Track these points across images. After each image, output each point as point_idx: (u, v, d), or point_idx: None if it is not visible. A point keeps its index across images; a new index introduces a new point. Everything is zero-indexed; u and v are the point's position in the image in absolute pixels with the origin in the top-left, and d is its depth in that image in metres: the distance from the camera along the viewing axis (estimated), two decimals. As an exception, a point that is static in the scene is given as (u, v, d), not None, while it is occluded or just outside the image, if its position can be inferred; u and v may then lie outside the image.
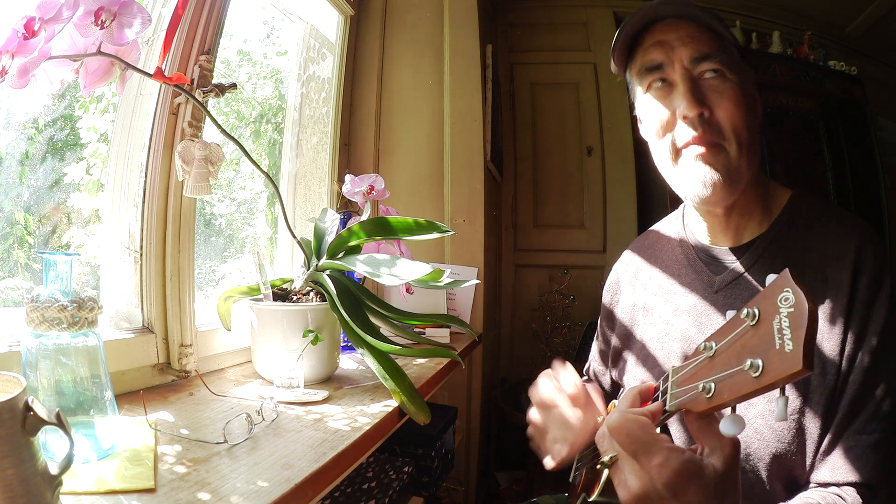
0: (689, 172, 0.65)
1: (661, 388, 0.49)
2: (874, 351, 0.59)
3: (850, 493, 0.57)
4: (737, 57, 0.67)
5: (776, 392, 0.36)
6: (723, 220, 0.71)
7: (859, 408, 0.59)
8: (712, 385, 0.39)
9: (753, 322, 0.37)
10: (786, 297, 0.35)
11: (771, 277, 0.37)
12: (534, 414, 0.74)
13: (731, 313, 0.41)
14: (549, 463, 0.70)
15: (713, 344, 0.42)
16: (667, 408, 0.45)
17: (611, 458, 0.48)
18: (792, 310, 0.34)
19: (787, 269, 0.36)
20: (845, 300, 0.61)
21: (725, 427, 0.39)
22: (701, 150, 0.64)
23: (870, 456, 0.57)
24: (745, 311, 0.38)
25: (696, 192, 0.65)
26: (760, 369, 0.34)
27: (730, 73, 0.65)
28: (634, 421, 0.45)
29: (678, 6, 0.66)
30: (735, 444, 0.42)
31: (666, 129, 0.67)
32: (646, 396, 0.50)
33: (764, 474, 0.62)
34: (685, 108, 0.64)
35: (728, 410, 0.39)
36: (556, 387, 0.72)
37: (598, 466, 0.49)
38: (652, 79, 0.68)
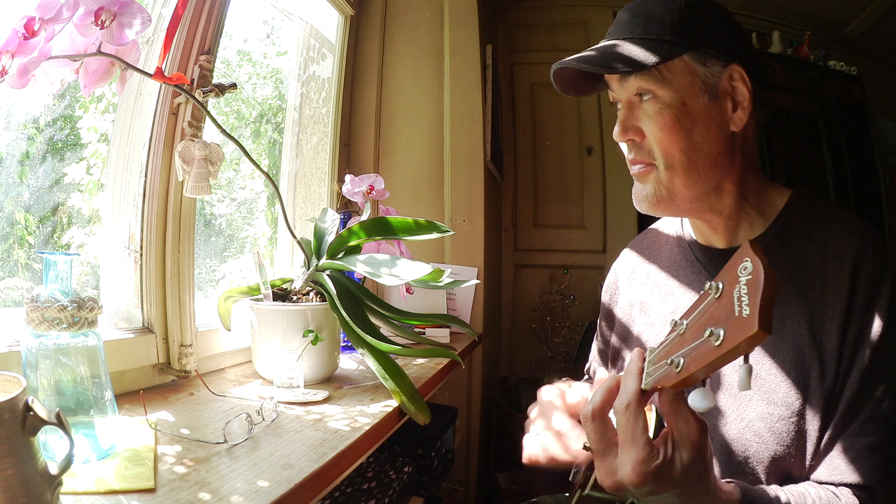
0: (633, 186, 0.70)
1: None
2: (873, 352, 0.58)
3: (846, 494, 0.57)
4: (681, 70, 0.63)
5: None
6: (713, 224, 0.70)
7: (858, 409, 0.58)
8: (681, 359, 0.39)
9: (717, 295, 0.38)
10: (745, 265, 0.35)
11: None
12: (534, 411, 0.74)
13: (702, 291, 0.42)
14: (524, 451, 0.70)
15: (684, 321, 0.42)
16: (643, 387, 0.45)
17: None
18: (750, 277, 0.34)
19: (747, 241, 0.36)
20: (844, 301, 0.60)
21: (694, 400, 0.40)
22: (636, 168, 0.68)
23: (867, 458, 0.57)
24: (709, 284, 0.39)
25: (636, 204, 0.70)
26: (721, 337, 0.35)
27: (661, 91, 0.63)
28: (598, 419, 0.47)
29: (589, 62, 0.65)
30: (703, 429, 0.43)
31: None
32: None
33: (763, 476, 0.61)
34: (616, 134, 0.67)
35: (700, 384, 0.40)
36: (560, 393, 0.72)
37: (584, 447, 0.50)
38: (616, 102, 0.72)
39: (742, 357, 0.35)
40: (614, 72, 0.65)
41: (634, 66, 0.63)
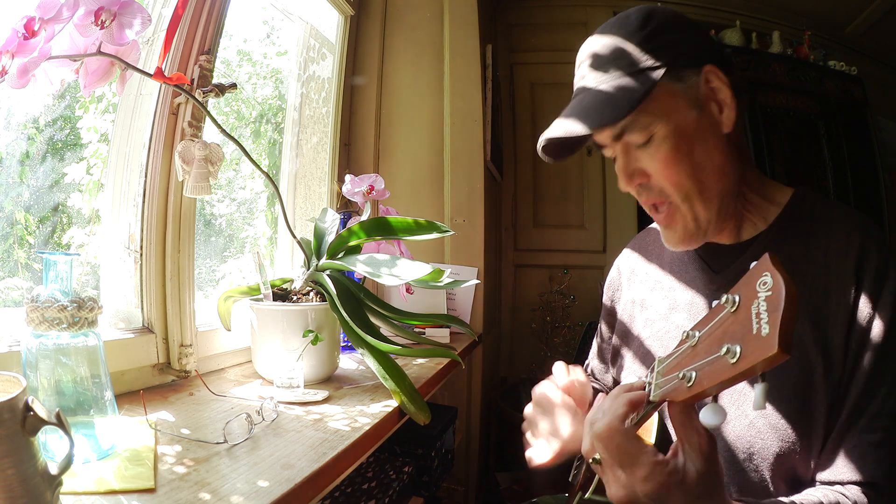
0: (662, 233, 0.70)
1: (647, 380, 0.49)
2: (879, 348, 0.58)
3: (854, 492, 0.57)
4: (662, 96, 0.61)
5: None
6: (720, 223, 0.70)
7: (864, 406, 0.58)
8: (693, 373, 0.38)
9: (733, 308, 0.36)
10: (764, 280, 0.33)
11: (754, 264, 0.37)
12: (529, 409, 0.74)
13: (716, 303, 0.40)
14: (531, 460, 0.70)
15: (696, 333, 0.41)
16: (651, 398, 0.44)
17: (600, 456, 0.48)
18: (770, 293, 0.33)
19: (767, 254, 0.35)
20: (850, 298, 0.60)
21: (705, 416, 0.39)
22: (658, 216, 0.68)
23: (873, 454, 0.57)
24: (725, 297, 0.37)
25: (674, 247, 0.70)
26: (738, 355, 0.33)
27: (657, 128, 0.62)
28: (619, 433, 0.45)
29: (572, 125, 0.65)
30: (711, 439, 0.42)
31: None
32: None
33: (768, 475, 0.61)
34: (621, 184, 0.67)
35: (711, 400, 0.39)
36: (556, 386, 0.72)
37: (591, 462, 0.49)
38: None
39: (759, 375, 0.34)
40: (602, 130, 0.64)
41: (618, 113, 0.60)
